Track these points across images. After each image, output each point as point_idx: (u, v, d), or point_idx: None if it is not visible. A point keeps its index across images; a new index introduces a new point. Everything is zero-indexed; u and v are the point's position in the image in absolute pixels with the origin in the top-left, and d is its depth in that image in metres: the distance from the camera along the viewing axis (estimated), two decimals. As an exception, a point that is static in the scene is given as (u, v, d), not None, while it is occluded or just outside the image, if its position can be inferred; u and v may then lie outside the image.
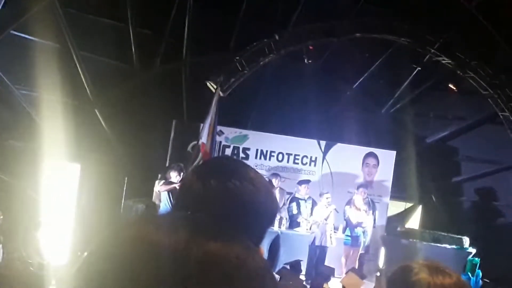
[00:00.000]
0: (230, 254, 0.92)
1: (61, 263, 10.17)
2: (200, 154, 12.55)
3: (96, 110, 13.94)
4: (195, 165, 12.88)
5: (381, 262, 14.52)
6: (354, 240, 13.66)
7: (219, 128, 14.02)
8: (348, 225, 13.77)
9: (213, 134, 12.70)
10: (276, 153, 15.00)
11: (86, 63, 13.47)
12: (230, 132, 14.82)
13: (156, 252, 0.90)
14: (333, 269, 11.62)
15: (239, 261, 0.92)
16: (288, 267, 10.45)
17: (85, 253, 0.97)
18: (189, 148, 14.11)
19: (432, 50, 14.46)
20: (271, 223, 1.85)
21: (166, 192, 12.48)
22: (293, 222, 13.94)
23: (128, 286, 0.88)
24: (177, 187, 12.15)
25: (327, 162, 15.10)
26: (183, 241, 0.91)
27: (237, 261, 0.92)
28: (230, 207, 1.68)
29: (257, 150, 14.95)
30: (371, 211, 14.11)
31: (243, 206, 1.70)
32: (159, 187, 12.75)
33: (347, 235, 13.75)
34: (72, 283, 0.95)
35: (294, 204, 14.06)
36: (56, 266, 9.53)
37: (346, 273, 11.31)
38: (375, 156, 15.27)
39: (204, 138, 12.34)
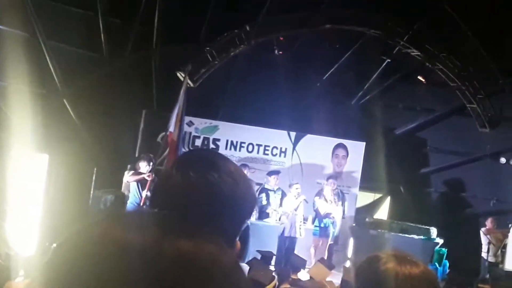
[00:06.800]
0: (204, 251, 0.91)
1: (29, 254, 10.06)
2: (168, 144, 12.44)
3: (64, 100, 13.76)
4: (164, 156, 12.85)
5: (349, 253, 14.62)
6: (323, 231, 13.73)
7: (189, 118, 13.97)
8: (317, 216, 13.84)
9: (180, 123, 12.57)
10: (246, 144, 15.03)
11: (54, 52, 13.27)
12: (200, 123, 14.82)
13: (126, 251, 0.88)
14: (305, 261, 11.60)
15: (213, 258, 0.91)
16: (259, 256, 10.44)
17: (54, 246, 0.94)
18: (158, 139, 13.99)
19: (402, 42, 14.57)
20: (249, 216, 1.87)
21: (135, 183, 12.42)
22: (263, 213, 13.95)
23: (96, 285, 0.86)
24: (146, 178, 12.14)
25: (297, 153, 15.17)
26: (153, 239, 0.89)
27: (210, 258, 0.91)
28: (209, 199, 1.68)
29: (227, 141, 14.98)
30: (340, 202, 14.17)
31: (222, 199, 1.70)
32: (128, 178, 12.69)
33: (316, 226, 13.83)
34: (40, 276, 0.93)
35: (263, 195, 14.06)
36: (24, 256, 9.43)
37: (315, 263, 11.32)
38: (344, 147, 15.37)
39: (171, 127, 12.21)
